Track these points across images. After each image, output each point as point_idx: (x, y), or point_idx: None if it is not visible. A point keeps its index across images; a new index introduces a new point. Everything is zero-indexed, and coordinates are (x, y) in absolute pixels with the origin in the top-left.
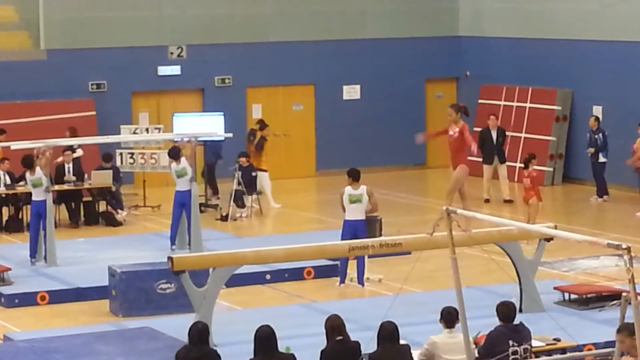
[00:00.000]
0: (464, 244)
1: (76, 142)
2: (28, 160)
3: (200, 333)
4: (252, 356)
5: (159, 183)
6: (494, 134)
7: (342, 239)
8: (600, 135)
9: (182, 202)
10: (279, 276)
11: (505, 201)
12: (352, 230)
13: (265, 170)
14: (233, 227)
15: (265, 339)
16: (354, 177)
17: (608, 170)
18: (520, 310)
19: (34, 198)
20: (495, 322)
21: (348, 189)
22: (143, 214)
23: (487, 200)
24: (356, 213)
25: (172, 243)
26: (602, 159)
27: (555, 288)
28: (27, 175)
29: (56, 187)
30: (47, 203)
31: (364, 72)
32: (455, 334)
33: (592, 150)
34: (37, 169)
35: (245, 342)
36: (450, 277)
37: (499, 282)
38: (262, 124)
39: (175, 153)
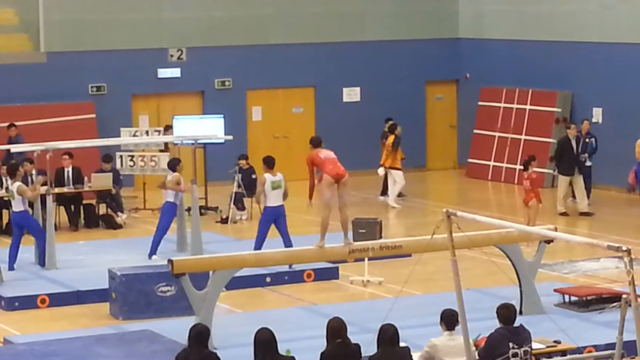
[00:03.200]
0: (464, 247)
1: (77, 144)
2: (13, 169)
3: (199, 335)
4: (252, 359)
5: None
6: (574, 144)
7: (264, 226)
8: (593, 140)
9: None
10: (279, 279)
11: (582, 214)
12: (274, 216)
13: (399, 169)
14: (233, 229)
15: (265, 342)
16: (269, 164)
17: (608, 172)
18: (521, 313)
19: (13, 209)
20: (496, 324)
21: (268, 177)
22: (143, 217)
23: (564, 214)
24: (277, 199)
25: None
26: (588, 163)
27: (555, 290)
28: (9, 182)
29: (56, 190)
30: (25, 214)
31: (364, 74)
32: (455, 337)
33: (586, 155)
34: (17, 182)
35: (245, 345)
36: (451, 279)
37: (499, 285)
38: (394, 126)
39: (172, 165)
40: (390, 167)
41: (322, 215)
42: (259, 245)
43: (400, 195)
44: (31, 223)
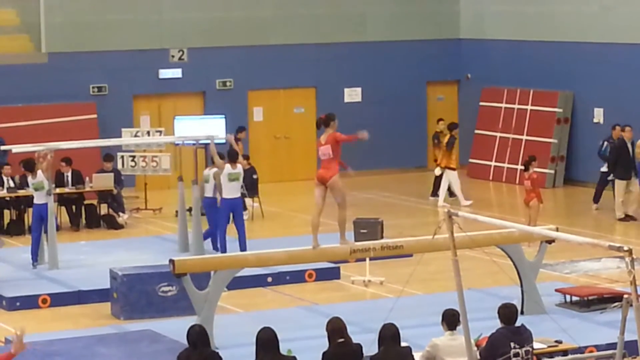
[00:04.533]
0: (466, 247)
1: (78, 145)
2: (29, 164)
3: (201, 335)
4: (253, 358)
5: (160, 186)
6: (630, 147)
7: (221, 216)
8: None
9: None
10: (281, 279)
11: (627, 216)
12: (230, 208)
13: (454, 169)
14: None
15: (266, 341)
16: (232, 158)
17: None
18: (522, 312)
19: (35, 201)
20: (497, 324)
21: (228, 167)
22: (144, 217)
23: (625, 218)
24: (234, 191)
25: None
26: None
27: (556, 290)
28: (29, 178)
29: (57, 191)
30: (49, 206)
31: (365, 74)
32: (456, 336)
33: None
34: (39, 172)
35: (246, 344)
36: (452, 279)
37: (500, 284)
38: (453, 126)
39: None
40: (446, 167)
41: (311, 216)
42: (221, 239)
43: (452, 195)
44: (47, 218)
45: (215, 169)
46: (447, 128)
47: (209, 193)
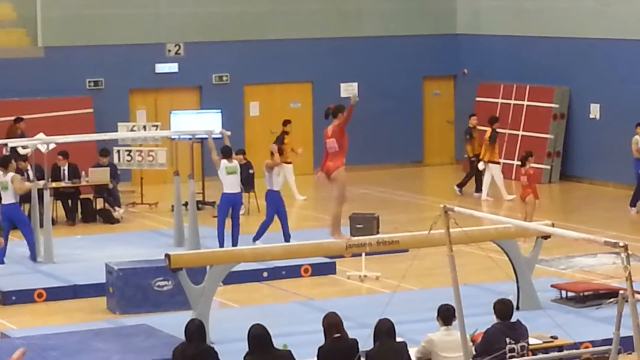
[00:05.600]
0: (461, 242)
1: (74, 139)
2: (4, 161)
3: (196, 330)
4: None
5: (156, 180)
6: None
7: (221, 212)
8: None
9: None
10: (276, 273)
11: None
12: (230, 203)
13: (498, 163)
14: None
15: (258, 337)
16: (226, 154)
17: (605, 168)
18: (517, 308)
19: (3, 202)
20: (493, 319)
21: (224, 162)
22: (140, 211)
23: None
24: (234, 185)
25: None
26: None
27: (552, 286)
28: (1, 174)
29: (53, 185)
30: (15, 206)
31: (362, 69)
32: (452, 332)
33: None
34: (10, 173)
35: (242, 339)
36: (448, 274)
37: (496, 280)
38: (493, 119)
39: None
40: (489, 161)
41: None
42: (219, 233)
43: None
44: (20, 216)
45: (267, 162)
46: (488, 122)
47: (267, 184)
